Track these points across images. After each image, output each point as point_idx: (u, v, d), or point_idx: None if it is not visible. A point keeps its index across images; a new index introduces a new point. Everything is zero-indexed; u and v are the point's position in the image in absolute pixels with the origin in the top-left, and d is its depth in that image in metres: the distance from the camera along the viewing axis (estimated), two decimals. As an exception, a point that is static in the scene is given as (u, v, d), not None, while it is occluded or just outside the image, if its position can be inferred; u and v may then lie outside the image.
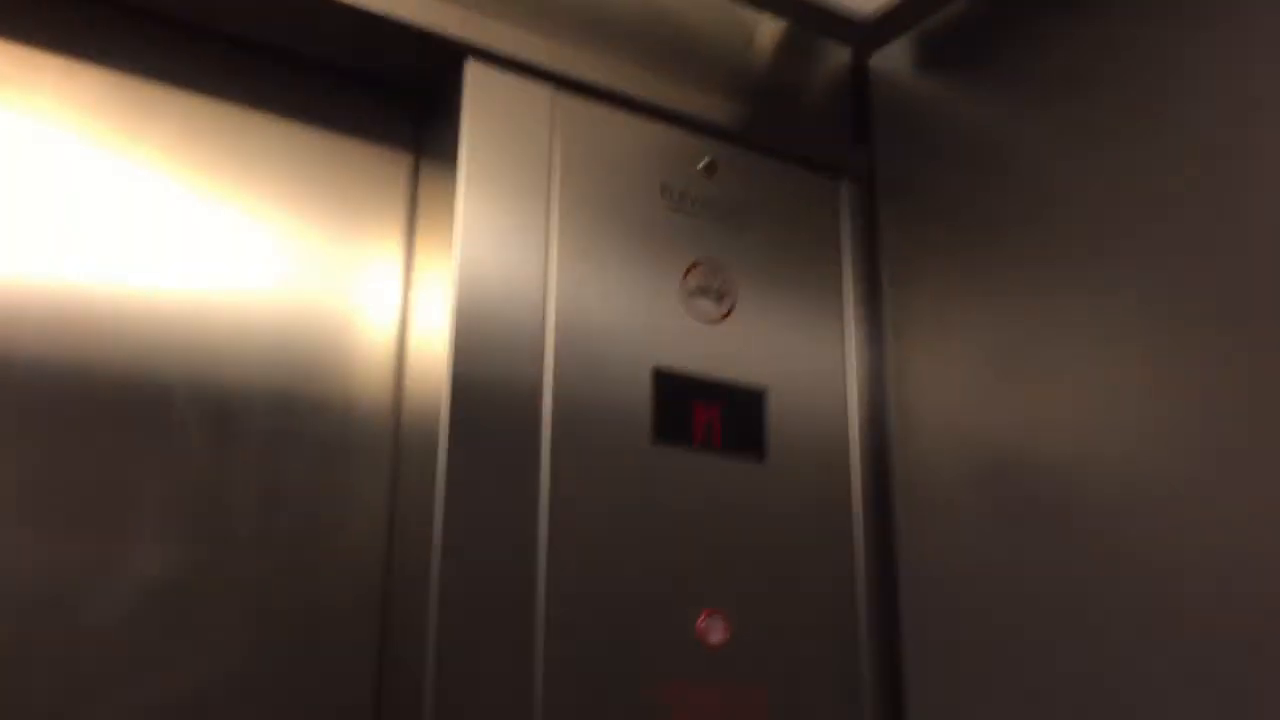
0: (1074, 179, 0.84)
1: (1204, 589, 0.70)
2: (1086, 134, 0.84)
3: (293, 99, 0.89)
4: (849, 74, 1.08)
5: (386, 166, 0.91)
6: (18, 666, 0.69)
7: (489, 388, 0.78)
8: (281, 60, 0.88)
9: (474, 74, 0.84)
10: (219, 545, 0.77)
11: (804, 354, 0.94)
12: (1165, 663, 0.72)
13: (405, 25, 0.83)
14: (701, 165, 0.94)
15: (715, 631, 0.82)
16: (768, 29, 1.03)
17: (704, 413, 0.87)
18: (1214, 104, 0.75)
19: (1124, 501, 0.76)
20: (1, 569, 0.70)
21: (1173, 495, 0.73)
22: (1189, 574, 0.72)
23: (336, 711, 0.78)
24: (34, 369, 0.74)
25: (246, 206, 0.85)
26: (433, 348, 0.81)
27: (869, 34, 1.02)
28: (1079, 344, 0.81)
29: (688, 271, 0.90)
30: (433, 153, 0.90)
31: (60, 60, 0.80)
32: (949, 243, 0.94)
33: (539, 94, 0.87)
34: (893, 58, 1.05)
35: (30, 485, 0.72)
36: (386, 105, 0.93)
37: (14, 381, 0.73)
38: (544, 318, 0.82)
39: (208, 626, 0.75)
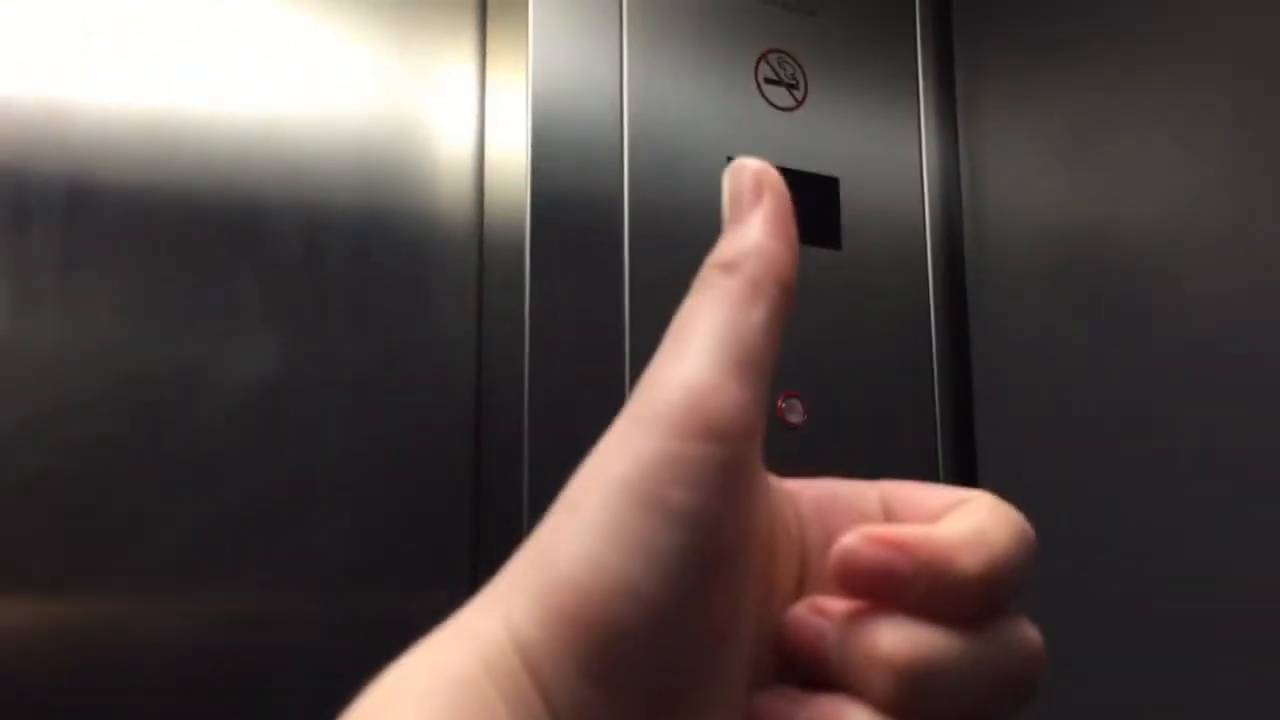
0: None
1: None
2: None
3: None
4: None
5: (453, -31, 0.91)
6: (125, 468, 0.74)
7: (568, 189, 0.80)
8: None
9: None
10: (314, 351, 0.81)
11: (877, 142, 0.94)
12: (1243, 447, 0.72)
13: None
14: (770, -49, 0.92)
15: (794, 412, 0.85)
16: None
17: (779, 203, 0.87)
18: None
19: (1203, 285, 0.76)
20: (109, 375, 0.75)
21: (1258, 279, 0.73)
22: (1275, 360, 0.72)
23: (435, 509, 0.82)
24: (129, 190, 0.77)
25: (320, 20, 0.85)
26: (511, 149, 0.82)
27: None
28: (1158, 126, 0.80)
29: (759, 60, 0.89)
30: (499, -48, 0.89)
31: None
32: (1023, 27, 0.92)
33: (603, -118, 0.85)
34: None
35: (131, 300, 0.76)
36: (449, -96, 0.91)
37: (111, 202, 0.76)
38: (620, 113, 0.83)
39: (307, 426, 0.80)
